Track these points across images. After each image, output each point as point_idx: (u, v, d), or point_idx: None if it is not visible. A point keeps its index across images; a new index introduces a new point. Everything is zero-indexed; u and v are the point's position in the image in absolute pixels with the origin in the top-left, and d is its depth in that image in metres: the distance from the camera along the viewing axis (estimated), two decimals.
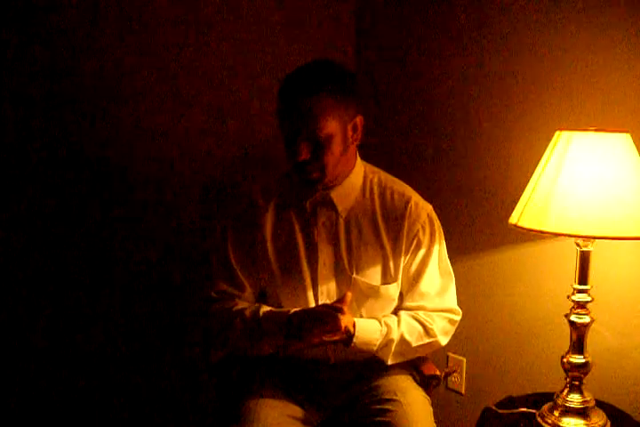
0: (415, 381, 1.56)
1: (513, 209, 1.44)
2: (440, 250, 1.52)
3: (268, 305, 1.48)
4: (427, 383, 1.57)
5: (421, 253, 1.48)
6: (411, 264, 1.49)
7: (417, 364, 1.61)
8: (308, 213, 1.47)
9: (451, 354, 2.03)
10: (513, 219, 1.43)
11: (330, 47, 2.16)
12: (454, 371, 2.03)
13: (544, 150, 1.44)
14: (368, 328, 1.41)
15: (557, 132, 1.41)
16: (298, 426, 1.42)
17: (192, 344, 1.97)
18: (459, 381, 2.03)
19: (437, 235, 1.51)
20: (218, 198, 1.94)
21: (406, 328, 1.45)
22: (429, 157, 2.04)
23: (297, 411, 1.44)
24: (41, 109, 1.71)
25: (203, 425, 2.02)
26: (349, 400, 1.49)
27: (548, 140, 1.43)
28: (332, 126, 1.33)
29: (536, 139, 1.57)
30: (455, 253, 1.92)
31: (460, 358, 2.02)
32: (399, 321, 1.46)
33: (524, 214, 1.38)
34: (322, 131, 1.32)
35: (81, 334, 1.85)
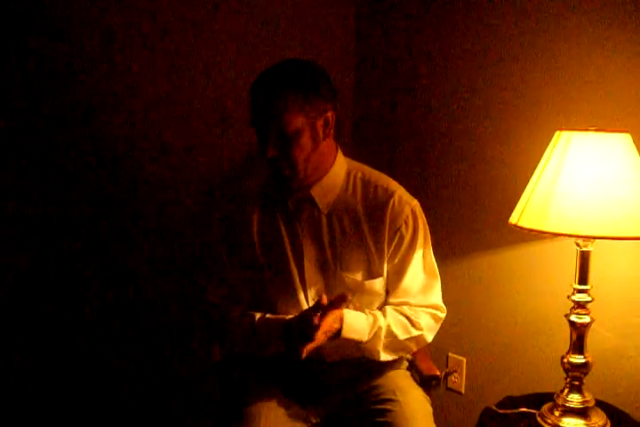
0: (415, 380, 1.56)
1: (513, 209, 1.44)
2: (425, 246, 1.50)
3: (262, 305, 1.49)
4: (427, 383, 1.57)
5: (404, 248, 1.47)
6: (394, 259, 1.47)
7: (416, 364, 1.61)
8: (291, 211, 1.48)
9: (451, 354, 2.03)
10: (513, 219, 1.43)
11: (330, 47, 2.16)
12: (454, 371, 2.03)
13: (544, 150, 1.44)
14: (355, 317, 1.41)
15: (557, 133, 1.41)
16: (298, 426, 1.42)
17: (193, 344, 1.97)
18: (459, 381, 2.03)
19: (421, 230, 1.48)
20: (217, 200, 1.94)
21: (392, 320, 1.44)
22: (429, 157, 2.04)
23: (297, 411, 1.45)
24: (42, 111, 1.72)
25: (204, 425, 2.02)
26: (349, 400, 1.49)
27: (548, 140, 1.43)
28: (298, 122, 1.34)
29: (536, 139, 1.57)
30: (455, 253, 1.93)
31: (460, 358, 2.02)
32: (384, 313, 1.45)
33: (524, 214, 1.38)
34: (287, 127, 1.33)
35: (82, 333, 1.86)
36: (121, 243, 1.88)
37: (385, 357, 1.45)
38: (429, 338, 1.50)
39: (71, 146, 1.77)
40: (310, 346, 1.31)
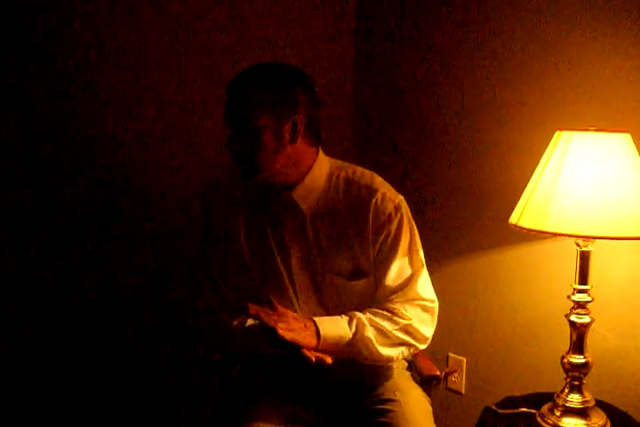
0: (415, 380, 1.56)
1: (513, 209, 1.44)
2: (411, 240, 1.48)
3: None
4: (427, 383, 1.57)
5: (388, 245, 1.45)
6: (379, 257, 1.46)
7: (416, 364, 1.61)
8: (275, 214, 1.47)
9: (451, 354, 2.03)
10: (513, 219, 1.43)
11: (329, 49, 2.17)
12: (454, 371, 2.03)
13: (544, 150, 1.44)
14: (328, 318, 1.40)
15: (557, 132, 1.41)
16: (298, 426, 1.42)
17: (193, 343, 1.98)
18: (459, 381, 2.03)
19: (406, 226, 1.46)
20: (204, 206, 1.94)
21: (372, 314, 1.41)
22: (429, 157, 2.04)
23: (297, 411, 1.45)
24: (43, 114, 1.72)
25: (204, 425, 2.02)
26: (349, 401, 1.49)
27: (548, 140, 1.43)
28: (261, 120, 1.34)
29: (536, 139, 1.56)
30: (455, 253, 1.93)
31: (460, 358, 2.02)
32: (362, 311, 1.43)
33: (524, 214, 1.39)
34: (250, 122, 1.34)
35: (82, 333, 1.86)
36: (119, 245, 1.88)
37: (385, 351, 1.40)
38: (424, 330, 1.44)
39: (65, 146, 1.77)
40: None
